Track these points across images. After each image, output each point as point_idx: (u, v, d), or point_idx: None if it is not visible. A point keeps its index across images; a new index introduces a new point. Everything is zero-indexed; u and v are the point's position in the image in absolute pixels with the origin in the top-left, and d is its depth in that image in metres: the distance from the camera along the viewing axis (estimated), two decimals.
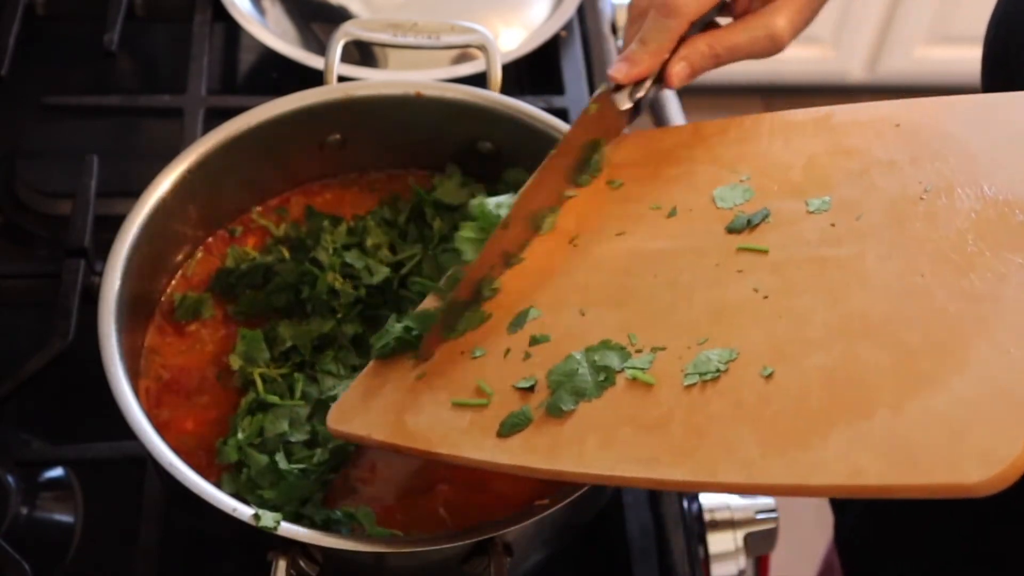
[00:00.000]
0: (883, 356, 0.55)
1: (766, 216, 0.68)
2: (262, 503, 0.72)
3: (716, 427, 0.57)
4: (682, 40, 0.79)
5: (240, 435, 0.77)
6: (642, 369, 0.62)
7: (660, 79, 0.81)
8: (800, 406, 0.55)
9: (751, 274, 0.65)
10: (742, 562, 0.86)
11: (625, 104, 0.82)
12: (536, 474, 0.62)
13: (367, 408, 0.71)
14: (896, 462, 0.50)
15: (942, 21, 2.40)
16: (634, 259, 0.71)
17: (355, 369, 0.81)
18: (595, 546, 0.88)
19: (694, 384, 0.59)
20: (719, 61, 0.80)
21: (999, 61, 0.79)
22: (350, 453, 0.76)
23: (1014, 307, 0.54)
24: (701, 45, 0.79)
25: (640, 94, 0.81)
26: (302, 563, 0.67)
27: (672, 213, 0.73)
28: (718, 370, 0.59)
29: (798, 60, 2.45)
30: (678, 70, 0.80)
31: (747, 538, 0.85)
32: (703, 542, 0.85)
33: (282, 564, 0.66)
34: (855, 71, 2.50)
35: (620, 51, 1.18)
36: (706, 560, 0.85)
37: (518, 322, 0.71)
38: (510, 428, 0.64)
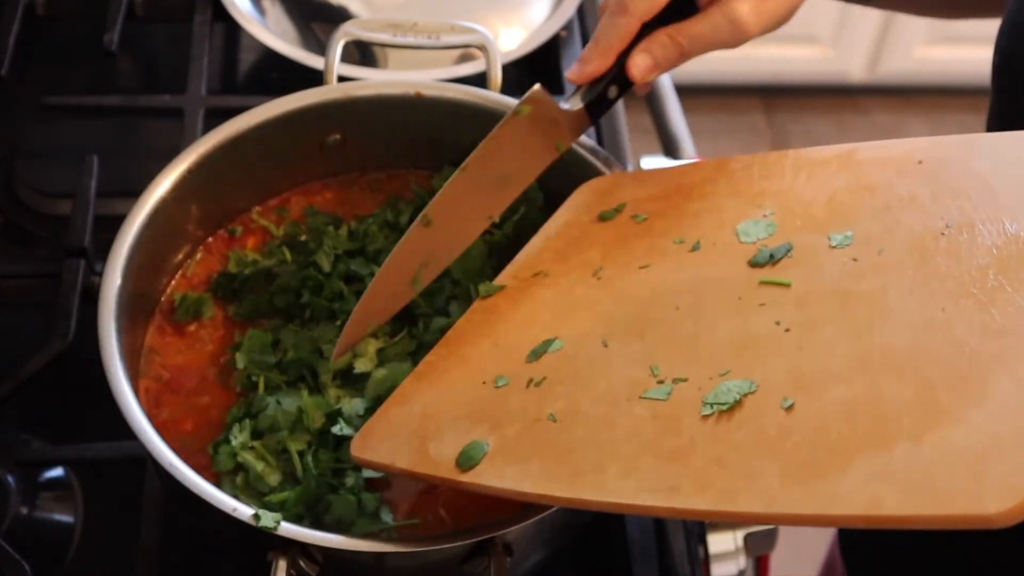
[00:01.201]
0: (904, 389, 0.55)
1: (789, 250, 0.69)
2: (264, 507, 0.72)
3: (737, 457, 0.57)
4: (642, 37, 0.80)
5: (234, 441, 0.76)
6: (661, 399, 0.63)
7: (622, 80, 0.82)
8: (820, 437, 0.55)
9: (773, 307, 0.65)
10: (742, 562, 0.86)
11: (576, 105, 0.82)
12: (558, 503, 0.63)
13: (392, 435, 0.71)
14: (915, 493, 0.50)
15: (942, 21, 2.40)
16: (657, 291, 0.72)
17: (357, 376, 0.81)
18: (595, 546, 0.88)
19: (711, 414, 0.60)
20: (683, 52, 0.80)
21: (1010, 70, 0.79)
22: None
23: None
24: (662, 37, 0.80)
25: (593, 95, 0.82)
26: (302, 563, 0.67)
27: (696, 247, 0.74)
28: (736, 401, 0.60)
29: (798, 60, 2.46)
30: (638, 61, 0.80)
31: (747, 538, 0.86)
32: (703, 542, 0.85)
33: (282, 564, 0.66)
34: (855, 71, 2.50)
35: None
36: (706, 560, 0.85)
37: (539, 351, 0.71)
38: (530, 457, 0.64)
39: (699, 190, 0.79)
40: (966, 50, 2.40)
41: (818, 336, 0.61)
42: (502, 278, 0.81)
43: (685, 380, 0.63)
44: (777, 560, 0.93)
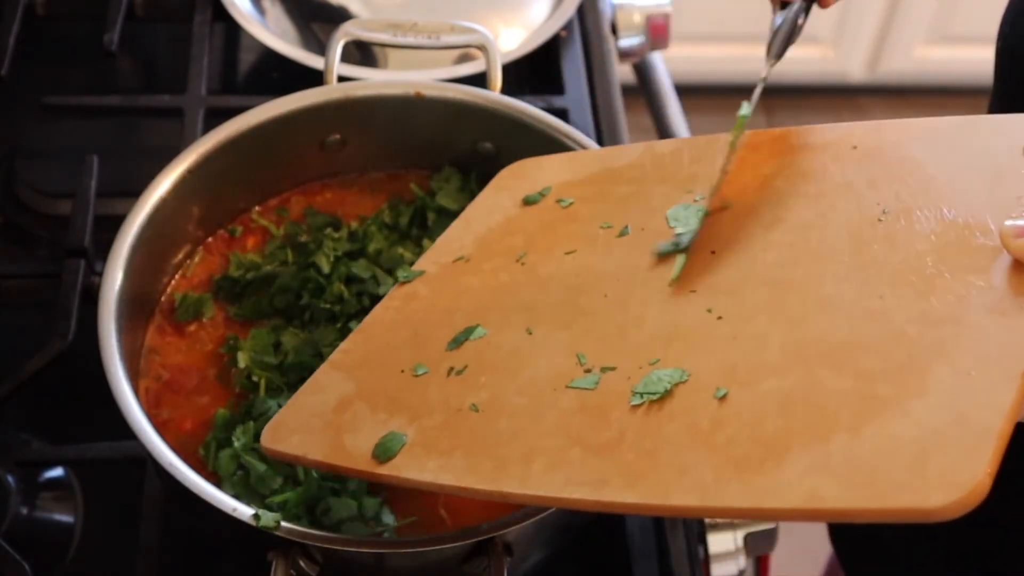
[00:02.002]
0: (841, 380, 0.54)
1: (722, 236, 0.67)
2: (264, 508, 0.71)
3: (669, 450, 0.55)
4: None
5: (236, 443, 0.76)
6: (588, 388, 0.61)
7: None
8: (755, 430, 0.54)
9: (705, 295, 0.64)
10: (742, 562, 0.86)
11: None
12: (479, 495, 0.61)
13: (304, 426, 0.69)
14: (855, 486, 0.49)
15: (942, 21, 2.40)
16: (584, 278, 0.70)
17: None
18: (595, 546, 0.88)
19: (641, 404, 0.58)
20: None
21: (1016, 55, 0.79)
22: None
23: (974, 330, 0.53)
24: None
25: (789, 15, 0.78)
26: (302, 563, 0.67)
27: (624, 232, 0.72)
28: (666, 390, 0.58)
29: (798, 60, 2.45)
30: None
31: (747, 538, 0.85)
32: (703, 542, 0.85)
33: (282, 564, 0.66)
34: (855, 71, 2.50)
35: (618, 51, 1.19)
36: (706, 560, 0.85)
37: (460, 339, 0.70)
38: (452, 449, 0.62)
39: (627, 174, 0.77)
40: (966, 50, 2.40)
41: (752, 326, 0.60)
42: (422, 263, 0.79)
43: (613, 369, 0.62)
44: (777, 560, 0.93)
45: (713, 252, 0.67)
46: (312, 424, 0.69)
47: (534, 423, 0.61)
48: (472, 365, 0.67)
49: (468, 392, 0.65)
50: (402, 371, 0.70)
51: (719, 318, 0.62)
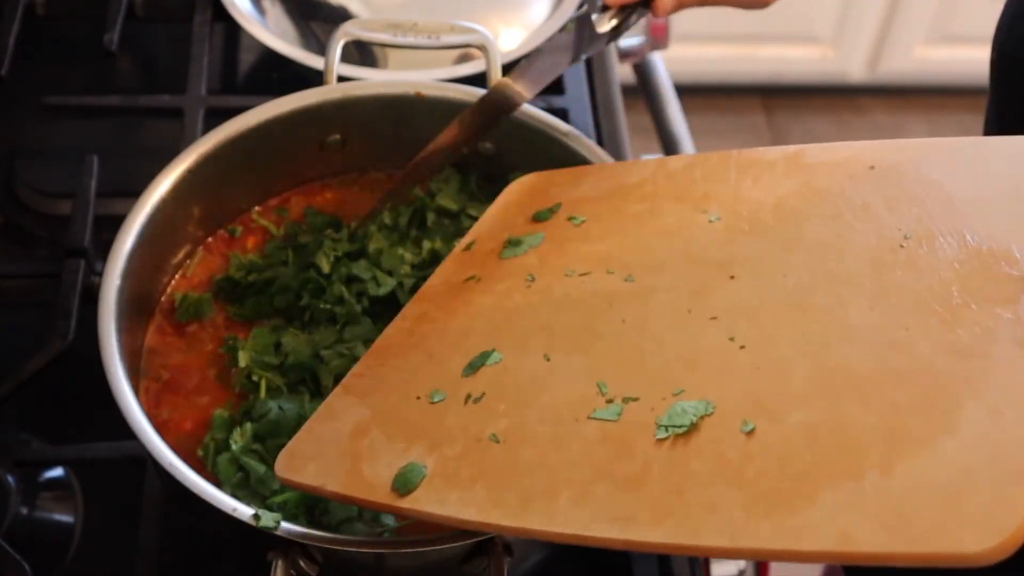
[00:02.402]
0: (870, 414, 0.52)
1: (740, 259, 0.65)
2: (267, 508, 0.71)
3: (696, 486, 0.53)
4: None
5: (234, 446, 0.76)
6: (611, 419, 0.59)
7: (646, 3, 0.86)
8: (784, 465, 0.52)
9: (725, 321, 0.62)
10: (742, 562, 0.86)
11: (604, 27, 0.86)
12: (504, 531, 0.59)
13: (320, 454, 0.67)
14: (888, 528, 0.48)
15: (942, 21, 2.40)
16: (600, 301, 0.68)
17: None
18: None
19: (667, 438, 0.56)
20: None
21: (1015, 59, 0.79)
22: None
23: (1005, 365, 0.52)
24: None
25: (622, 18, 0.86)
26: (302, 563, 0.67)
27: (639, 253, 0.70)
28: (692, 423, 0.56)
29: (798, 60, 2.45)
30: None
31: None
32: None
33: (282, 564, 0.66)
34: (855, 71, 2.50)
35: (619, 51, 1.19)
36: (706, 559, 0.85)
37: (476, 364, 0.68)
38: (473, 481, 0.60)
39: (638, 191, 0.75)
40: (966, 50, 2.40)
41: (775, 354, 0.58)
42: (432, 282, 0.77)
43: (636, 399, 0.60)
44: None
45: (732, 277, 0.65)
46: (328, 452, 0.67)
47: (557, 453, 0.59)
48: (490, 392, 0.65)
49: (487, 420, 0.63)
50: (418, 397, 0.67)
51: (742, 347, 0.60)
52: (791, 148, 0.72)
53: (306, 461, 0.67)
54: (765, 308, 0.61)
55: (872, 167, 0.67)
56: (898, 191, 0.64)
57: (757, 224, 0.67)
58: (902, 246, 0.61)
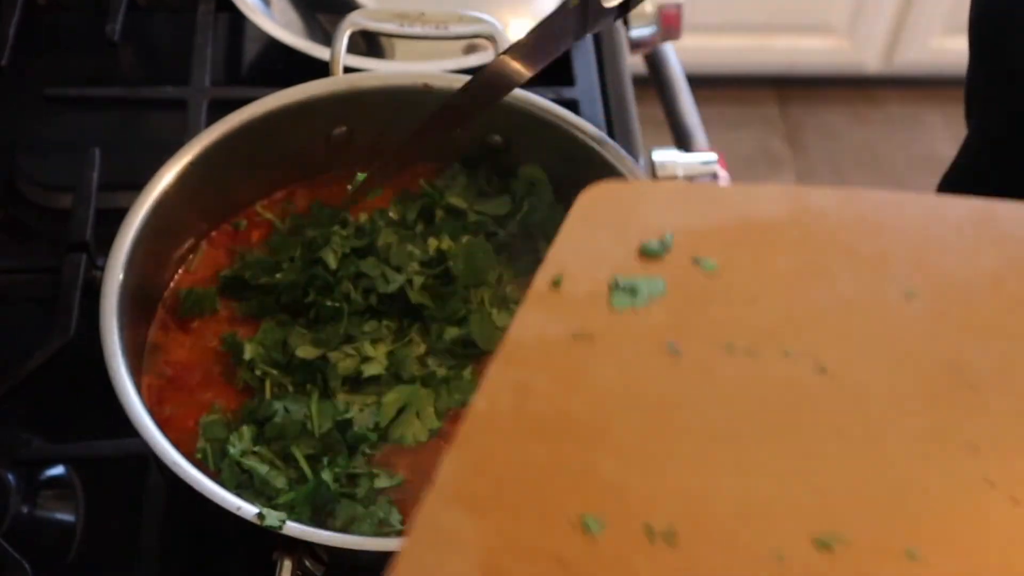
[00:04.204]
0: None
1: (974, 363, 0.50)
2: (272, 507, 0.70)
3: None
4: None
5: (232, 450, 0.75)
6: None
7: None
8: None
9: (989, 455, 0.46)
10: None
11: (612, 1, 0.83)
12: None
13: None
14: None
15: (959, 11, 2.37)
16: (789, 398, 0.50)
17: (366, 381, 0.79)
18: None
19: None
20: None
21: (991, 42, 0.78)
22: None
23: None
24: None
25: None
26: (308, 563, 0.66)
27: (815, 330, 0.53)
28: None
29: (813, 51, 2.43)
30: None
31: None
32: None
33: (287, 564, 0.66)
34: (871, 62, 2.48)
35: (630, 41, 1.17)
36: None
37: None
38: None
39: (781, 236, 0.57)
40: None
41: None
42: (519, 335, 0.53)
43: (849, 543, 0.44)
44: None
45: (972, 388, 0.49)
46: None
47: None
48: (682, 526, 0.45)
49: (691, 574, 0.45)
50: (570, 523, 0.46)
51: (1013, 499, 0.45)
52: (976, 207, 0.56)
53: None
54: None
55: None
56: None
57: (975, 312, 0.52)
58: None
